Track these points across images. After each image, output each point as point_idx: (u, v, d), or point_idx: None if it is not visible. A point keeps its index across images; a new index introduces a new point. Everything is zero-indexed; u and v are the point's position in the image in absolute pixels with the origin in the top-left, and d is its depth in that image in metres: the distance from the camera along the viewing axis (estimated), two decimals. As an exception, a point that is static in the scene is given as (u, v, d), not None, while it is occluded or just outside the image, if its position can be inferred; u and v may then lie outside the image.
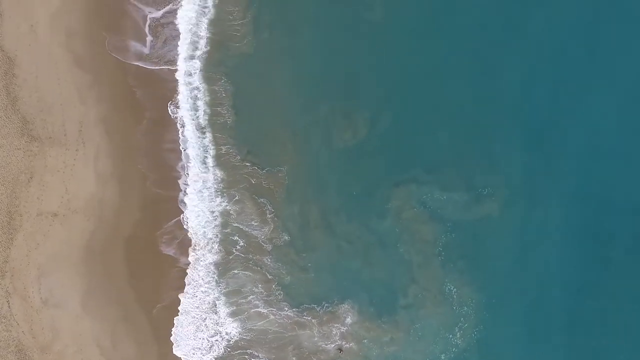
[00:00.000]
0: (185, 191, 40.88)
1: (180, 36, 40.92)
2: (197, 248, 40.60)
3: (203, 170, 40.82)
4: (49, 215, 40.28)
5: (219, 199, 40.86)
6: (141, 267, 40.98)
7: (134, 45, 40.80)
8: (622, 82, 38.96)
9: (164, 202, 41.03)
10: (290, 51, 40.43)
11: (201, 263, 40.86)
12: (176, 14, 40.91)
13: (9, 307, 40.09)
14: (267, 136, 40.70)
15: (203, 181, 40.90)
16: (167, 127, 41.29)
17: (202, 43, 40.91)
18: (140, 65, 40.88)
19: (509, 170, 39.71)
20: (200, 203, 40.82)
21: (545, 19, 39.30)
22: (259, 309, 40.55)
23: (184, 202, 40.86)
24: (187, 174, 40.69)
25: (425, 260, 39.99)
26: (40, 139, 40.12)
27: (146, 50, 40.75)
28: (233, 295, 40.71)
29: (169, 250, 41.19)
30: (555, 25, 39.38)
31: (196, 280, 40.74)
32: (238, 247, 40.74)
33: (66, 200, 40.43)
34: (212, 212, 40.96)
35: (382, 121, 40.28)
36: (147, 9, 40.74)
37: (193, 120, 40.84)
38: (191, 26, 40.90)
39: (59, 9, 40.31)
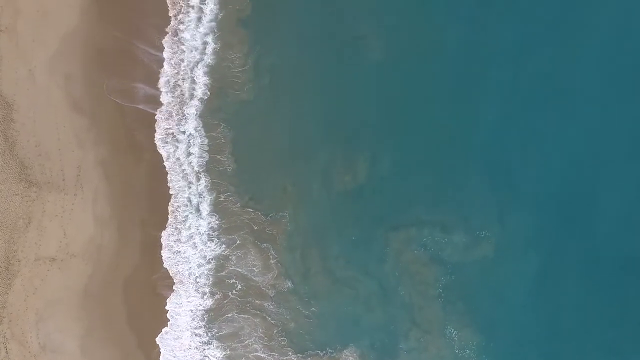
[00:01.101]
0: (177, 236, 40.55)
1: (179, 81, 40.67)
2: (184, 291, 40.27)
3: (196, 216, 40.52)
4: (47, 260, 40.03)
5: (212, 244, 40.55)
6: (140, 311, 40.74)
7: (134, 87, 40.65)
8: (609, 125, 39.15)
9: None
10: (290, 96, 40.51)
11: (190, 306, 40.49)
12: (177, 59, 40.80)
13: (6, 352, 39.74)
14: (268, 182, 40.62)
15: (196, 227, 40.56)
16: (166, 170, 41.06)
17: (200, 90, 40.66)
18: (140, 107, 40.71)
19: (506, 213, 39.56)
20: (191, 249, 40.47)
21: (537, 71, 39.52)
22: (259, 354, 40.26)
23: (173, 248, 40.45)
24: (180, 218, 40.38)
25: (426, 302, 39.74)
26: (38, 184, 39.90)
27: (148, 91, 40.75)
28: (228, 339, 40.33)
29: (168, 293, 40.96)
30: (546, 72, 39.56)
31: (185, 325, 40.43)
32: (235, 290, 40.50)
33: (64, 245, 40.19)
34: (205, 257, 40.58)
35: (381, 164, 40.25)
36: (150, 50, 40.66)
37: (186, 165, 40.59)
38: (189, 72, 40.73)
39: (58, 52, 40.22)
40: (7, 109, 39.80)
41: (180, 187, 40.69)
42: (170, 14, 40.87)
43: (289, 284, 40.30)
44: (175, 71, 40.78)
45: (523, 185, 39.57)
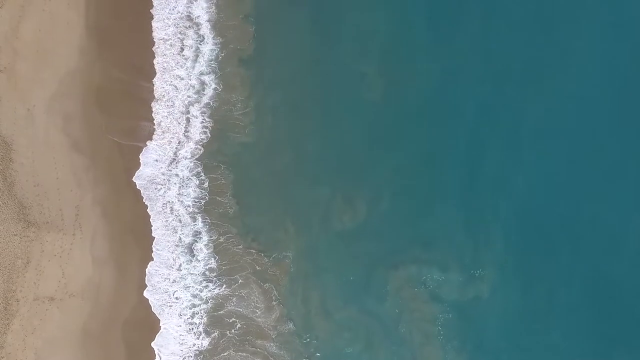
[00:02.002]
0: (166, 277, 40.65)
1: (177, 123, 40.65)
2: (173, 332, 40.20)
3: (189, 258, 40.53)
4: (46, 299, 39.97)
5: (211, 285, 40.52)
6: (139, 350, 40.65)
7: (133, 125, 40.69)
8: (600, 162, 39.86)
9: (162, 284, 40.94)
10: (291, 137, 40.78)
11: (180, 347, 40.48)
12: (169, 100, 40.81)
13: (5, 392, 39.73)
14: (270, 223, 40.71)
15: (188, 269, 40.61)
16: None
17: (197, 131, 40.60)
18: (139, 145, 40.77)
19: (500, 253, 39.97)
20: (184, 290, 40.48)
21: (530, 118, 40.17)
22: (259, 393, 40.42)
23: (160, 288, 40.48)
24: (170, 260, 40.40)
25: (426, 339, 39.89)
26: (37, 224, 39.85)
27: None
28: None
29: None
30: (538, 120, 40.14)
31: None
32: (234, 330, 40.52)
33: (63, 284, 40.15)
34: (201, 297, 40.57)
35: (380, 204, 40.55)
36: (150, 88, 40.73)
37: (179, 206, 40.53)
38: (188, 115, 40.74)
39: (56, 92, 40.27)
40: (5, 149, 39.73)
41: (170, 227, 40.36)
42: (168, 52, 40.68)
43: (291, 325, 40.27)
44: (170, 111, 40.51)
45: (517, 226, 39.99)
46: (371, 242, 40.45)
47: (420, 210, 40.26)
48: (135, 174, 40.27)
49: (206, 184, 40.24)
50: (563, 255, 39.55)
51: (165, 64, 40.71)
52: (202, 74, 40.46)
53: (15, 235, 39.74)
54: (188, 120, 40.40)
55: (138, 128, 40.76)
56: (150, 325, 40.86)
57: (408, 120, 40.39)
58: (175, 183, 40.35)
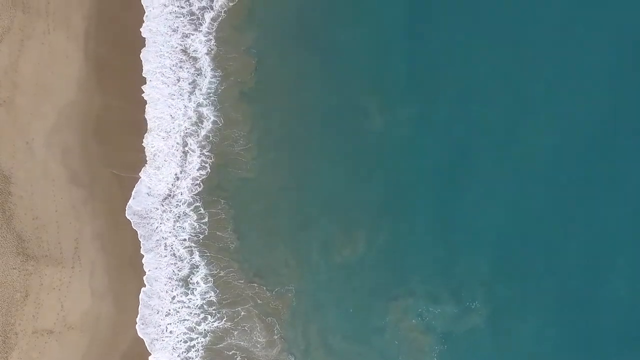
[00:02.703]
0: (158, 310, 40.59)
1: (174, 156, 40.60)
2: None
3: (184, 291, 40.59)
4: (45, 332, 40.00)
5: (210, 318, 40.60)
6: (137, 382, 40.85)
7: (132, 157, 40.65)
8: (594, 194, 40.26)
9: (161, 316, 41.01)
10: (292, 172, 40.87)
11: None
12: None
13: None
14: (272, 257, 40.83)
15: (183, 301, 40.65)
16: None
17: (196, 166, 40.59)
18: (139, 177, 40.74)
19: (495, 285, 40.34)
20: (179, 323, 40.57)
21: (529, 157, 40.49)
22: None
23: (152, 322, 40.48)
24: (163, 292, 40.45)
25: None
26: (35, 257, 39.83)
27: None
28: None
29: (166, 366, 41.09)
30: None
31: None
32: (235, 362, 40.86)
33: (62, 317, 40.18)
34: (199, 331, 40.67)
35: (378, 238, 40.85)
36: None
37: (173, 239, 40.62)
38: (186, 148, 40.72)
39: (55, 125, 40.19)
40: (4, 182, 39.65)
41: (165, 261, 40.39)
42: (162, 85, 40.61)
43: (292, 359, 40.47)
44: (168, 144, 40.49)
45: (512, 259, 40.38)
46: (370, 275, 40.72)
47: (418, 244, 40.57)
48: (127, 208, 39.98)
49: (206, 219, 40.16)
50: (554, 289, 40.11)
51: (159, 96, 40.14)
52: (199, 105, 40.24)
53: (14, 268, 39.71)
54: (186, 153, 40.18)
55: (137, 160, 40.66)
56: (147, 358, 40.96)
57: (407, 156, 40.66)
58: (169, 218, 40.03)
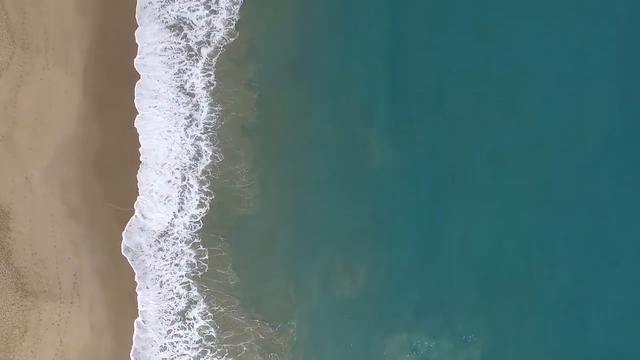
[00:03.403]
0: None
1: (172, 194, 40.41)
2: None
3: (181, 325, 40.48)
4: (43, 368, 39.99)
5: (209, 352, 40.43)
6: (136, 416, 40.80)
7: (132, 191, 40.50)
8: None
9: (160, 350, 40.95)
10: (294, 209, 40.84)
11: None
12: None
13: None
14: (273, 293, 40.83)
15: (185, 335, 40.51)
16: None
17: (194, 203, 40.37)
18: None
19: (492, 319, 40.54)
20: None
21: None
22: None
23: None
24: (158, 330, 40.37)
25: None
26: (34, 293, 39.73)
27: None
28: None
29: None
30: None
31: None
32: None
33: (61, 352, 40.11)
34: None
35: (377, 272, 40.93)
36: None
37: (170, 276, 40.46)
38: (186, 183, 40.54)
39: (54, 160, 40.07)
40: (3, 218, 39.53)
41: (162, 297, 40.27)
42: (158, 118, 40.41)
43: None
44: (165, 180, 40.28)
45: (509, 292, 40.59)
46: (368, 308, 40.84)
47: (415, 278, 40.75)
48: (122, 245, 39.79)
49: (206, 256, 39.99)
50: (549, 318, 40.37)
51: (155, 130, 39.92)
52: (198, 139, 39.95)
53: (12, 304, 39.60)
54: (184, 190, 39.99)
55: (137, 195, 40.49)
56: (147, 392, 40.92)
57: (405, 189, 40.81)
58: (165, 257, 39.87)
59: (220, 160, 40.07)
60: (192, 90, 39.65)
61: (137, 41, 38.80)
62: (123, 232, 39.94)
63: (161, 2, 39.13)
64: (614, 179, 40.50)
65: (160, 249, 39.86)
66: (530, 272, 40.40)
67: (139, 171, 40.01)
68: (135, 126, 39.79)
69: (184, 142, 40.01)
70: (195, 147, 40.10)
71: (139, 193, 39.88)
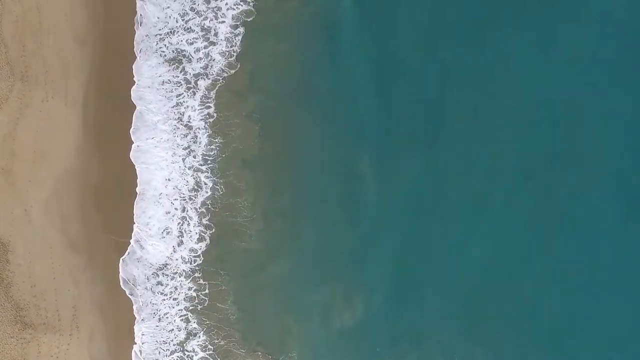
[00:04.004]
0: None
1: (170, 227, 40.17)
2: None
3: (181, 357, 40.29)
4: (43, 400, 39.95)
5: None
6: None
7: (129, 222, 40.30)
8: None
9: (159, 382, 40.84)
10: (293, 243, 40.52)
11: None
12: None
13: None
14: (274, 325, 40.70)
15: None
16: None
17: (194, 236, 40.08)
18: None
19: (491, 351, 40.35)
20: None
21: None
22: None
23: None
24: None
25: None
26: (33, 325, 39.68)
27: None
28: None
29: None
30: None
31: None
32: None
33: (60, 384, 40.07)
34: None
35: (375, 302, 40.79)
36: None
37: (168, 309, 40.26)
38: (185, 214, 40.30)
39: (54, 192, 39.95)
40: (2, 250, 39.49)
41: (160, 329, 40.09)
42: (155, 150, 40.20)
43: None
44: (163, 211, 40.05)
45: (506, 326, 40.42)
46: (366, 340, 40.78)
47: (412, 307, 40.69)
48: (120, 278, 39.60)
49: (206, 290, 39.75)
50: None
51: (153, 161, 39.67)
52: (197, 171, 39.62)
53: (11, 337, 39.57)
54: (183, 222, 39.73)
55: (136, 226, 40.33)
56: None
57: (402, 224, 40.58)
58: (163, 291, 39.65)
59: (221, 192, 39.66)
60: (190, 122, 39.26)
61: (134, 74, 38.49)
62: (120, 265, 39.61)
63: (160, 35, 38.66)
64: (606, 204, 39.83)
65: (160, 283, 39.66)
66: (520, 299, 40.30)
67: (135, 202, 39.59)
68: (130, 157, 39.25)
69: (183, 173, 39.69)
70: (195, 179, 39.77)
71: (136, 225, 39.53)
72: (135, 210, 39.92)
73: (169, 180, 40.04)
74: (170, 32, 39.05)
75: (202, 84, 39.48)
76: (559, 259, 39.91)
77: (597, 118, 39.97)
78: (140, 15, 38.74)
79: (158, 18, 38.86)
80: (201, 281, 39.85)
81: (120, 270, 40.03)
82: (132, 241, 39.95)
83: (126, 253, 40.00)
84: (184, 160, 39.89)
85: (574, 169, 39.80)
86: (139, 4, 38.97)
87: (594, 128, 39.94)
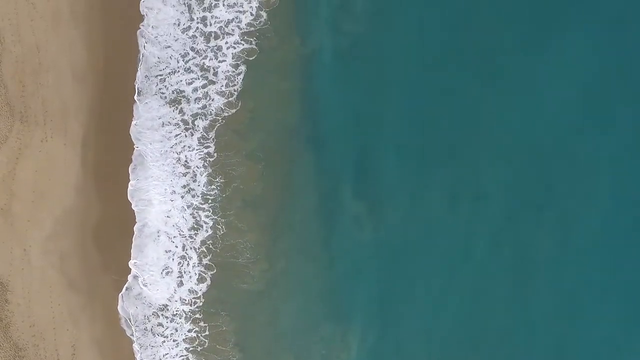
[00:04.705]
0: None
1: (170, 267, 39.92)
2: None
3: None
4: None
5: None
6: None
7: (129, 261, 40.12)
8: None
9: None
10: (296, 285, 40.54)
11: None
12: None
13: None
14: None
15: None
16: (162, 350, 40.65)
17: (194, 277, 39.82)
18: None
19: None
20: None
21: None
22: None
23: None
24: None
25: None
26: (32, 365, 39.51)
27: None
28: None
29: None
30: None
31: None
32: None
33: None
34: None
35: (371, 340, 40.90)
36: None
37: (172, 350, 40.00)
38: (184, 254, 40.07)
39: (53, 232, 39.75)
40: (1, 291, 39.36)
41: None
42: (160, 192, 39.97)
43: None
44: (162, 251, 39.79)
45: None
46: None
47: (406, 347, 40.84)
48: (119, 319, 39.58)
49: (207, 332, 39.48)
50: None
51: (152, 201, 39.34)
52: (197, 209, 39.34)
53: (10, 378, 39.40)
54: (183, 262, 39.45)
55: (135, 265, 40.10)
56: None
57: (399, 261, 40.73)
58: (162, 333, 39.39)
59: (222, 232, 39.38)
60: (188, 162, 38.95)
61: (134, 115, 38.30)
62: (119, 303, 39.38)
63: (161, 75, 38.36)
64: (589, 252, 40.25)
65: (160, 324, 39.30)
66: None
67: (133, 240, 39.38)
68: (128, 196, 38.98)
69: (182, 211, 39.45)
70: (195, 217, 39.55)
71: (134, 263, 39.25)
72: (133, 249, 39.62)
73: (168, 217, 39.76)
74: (171, 72, 38.74)
75: (200, 124, 39.15)
76: (541, 306, 40.20)
77: (583, 164, 40.28)
78: (142, 54, 38.39)
79: (158, 58, 38.53)
80: (202, 323, 39.55)
81: (119, 309, 39.76)
82: (130, 277, 39.66)
83: (124, 289, 39.72)
84: (182, 197, 39.59)
85: (557, 216, 40.17)
86: (140, 42, 38.62)
87: (579, 173, 40.26)
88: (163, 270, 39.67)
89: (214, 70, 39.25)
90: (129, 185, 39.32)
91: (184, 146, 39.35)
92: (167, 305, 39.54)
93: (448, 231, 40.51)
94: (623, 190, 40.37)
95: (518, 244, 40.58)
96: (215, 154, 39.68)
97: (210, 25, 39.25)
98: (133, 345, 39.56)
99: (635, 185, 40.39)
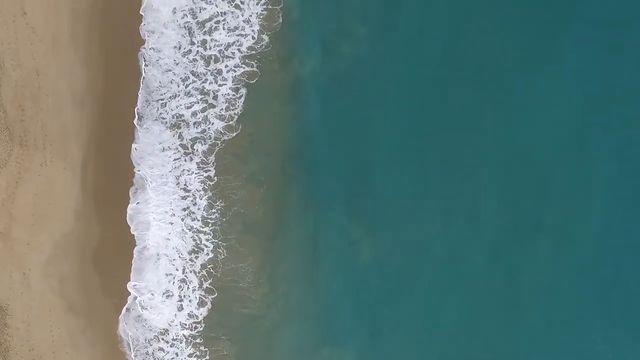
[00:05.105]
0: None
1: (170, 290, 39.86)
2: None
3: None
4: None
5: None
6: None
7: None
8: None
9: None
10: (297, 309, 40.38)
11: None
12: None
13: None
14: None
15: None
16: (162, 372, 40.62)
17: (194, 302, 39.71)
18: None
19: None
20: None
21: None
22: None
23: None
24: None
25: None
26: (32, 389, 39.46)
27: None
28: None
29: None
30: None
31: None
32: None
33: None
34: None
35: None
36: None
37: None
38: (185, 277, 40.05)
39: (52, 255, 39.69)
40: (1, 314, 39.24)
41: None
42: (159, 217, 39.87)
43: None
44: (166, 273, 39.75)
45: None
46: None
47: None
48: (119, 341, 39.65)
49: (207, 356, 39.42)
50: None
51: (150, 224, 39.28)
52: (199, 232, 39.28)
53: (10, 402, 39.31)
54: (183, 286, 39.40)
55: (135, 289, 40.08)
56: None
57: (395, 286, 40.65)
58: (163, 357, 39.35)
59: (223, 256, 39.33)
60: (188, 186, 38.87)
61: (135, 140, 38.24)
62: (118, 329, 39.34)
63: (162, 99, 38.25)
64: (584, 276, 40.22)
65: (161, 349, 39.25)
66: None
67: (133, 263, 39.33)
68: (127, 219, 38.87)
69: (182, 235, 39.35)
70: (195, 241, 39.46)
71: (134, 287, 39.24)
72: (133, 272, 39.60)
73: (168, 240, 39.68)
74: (172, 96, 38.64)
75: (200, 147, 39.07)
76: (535, 332, 40.17)
77: (581, 178, 40.26)
78: (143, 77, 38.29)
79: (160, 82, 38.42)
80: (202, 348, 39.48)
81: (119, 331, 39.76)
82: (129, 299, 39.61)
83: (124, 310, 39.68)
84: (183, 220, 39.54)
85: (551, 239, 40.15)
86: (141, 64, 38.53)
87: (576, 189, 40.22)
88: (163, 293, 39.53)
89: (214, 93, 39.17)
90: (128, 209, 39.22)
91: (184, 170, 39.24)
92: (167, 329, 39.44)
93: (444, 254, 40.44)
94: (620, 205, 40.33)
95: (513, 266, 40.46)
96: (215, 178, 39.58)
97: (210, 48, 39.12)
98: None
99: (632, 200, 40.41)
